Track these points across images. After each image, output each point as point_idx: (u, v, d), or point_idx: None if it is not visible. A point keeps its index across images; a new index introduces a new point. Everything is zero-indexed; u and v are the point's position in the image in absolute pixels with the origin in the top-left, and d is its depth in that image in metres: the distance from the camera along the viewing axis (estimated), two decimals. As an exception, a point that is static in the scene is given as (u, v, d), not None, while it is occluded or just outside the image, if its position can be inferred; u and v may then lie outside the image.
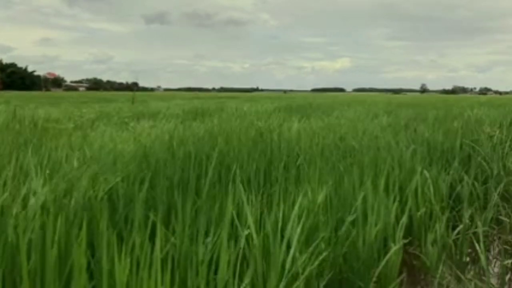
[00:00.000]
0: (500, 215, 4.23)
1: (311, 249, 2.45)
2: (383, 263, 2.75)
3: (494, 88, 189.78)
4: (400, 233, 3.02)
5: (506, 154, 5.86)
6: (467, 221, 3.74)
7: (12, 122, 7.65)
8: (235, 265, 2.17)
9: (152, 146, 4.47)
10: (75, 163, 3.52)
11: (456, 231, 3.56)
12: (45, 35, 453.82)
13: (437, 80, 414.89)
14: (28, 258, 1.94)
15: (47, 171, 3.03)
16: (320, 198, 2.84)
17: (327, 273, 2.61)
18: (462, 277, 3.14)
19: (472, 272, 3.44)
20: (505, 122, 9.28)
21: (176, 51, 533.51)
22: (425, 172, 4.12)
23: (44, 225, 1.98)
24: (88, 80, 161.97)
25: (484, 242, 3.41)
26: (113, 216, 2.62)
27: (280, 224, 2.43)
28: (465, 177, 4.52)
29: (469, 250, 3.74)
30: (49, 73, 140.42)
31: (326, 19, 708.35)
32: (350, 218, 2.82)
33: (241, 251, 2.27)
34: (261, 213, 2.58)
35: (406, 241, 3.17)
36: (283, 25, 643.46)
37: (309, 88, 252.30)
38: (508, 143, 6.35)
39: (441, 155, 5.41)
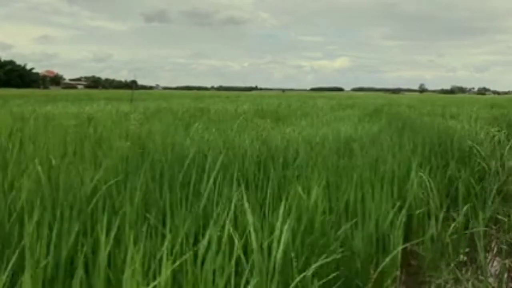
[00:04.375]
0: (498, 214, 4.24)
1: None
2: (383, 264, 2.75)
3: (492, 88, 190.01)
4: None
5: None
6: (465, 220, 3.75)
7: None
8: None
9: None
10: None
11: (451, 230, 3.56)
12: (44, 32, 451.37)
13: (435, 80, 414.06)
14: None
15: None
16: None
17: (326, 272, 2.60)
18: (460, 276, 3.14)
19: (470, 271, 3.45)
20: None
21: (175, 49, 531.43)
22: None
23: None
24: (86, 78, 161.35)
25: (483, 241, 3.41)
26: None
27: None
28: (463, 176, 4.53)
29: (467, 250, 3.74)
30: (47, 71, 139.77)
31: (325, 18, 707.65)
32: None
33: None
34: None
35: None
36: (283, 24, 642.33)
37: (308, 87, 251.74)
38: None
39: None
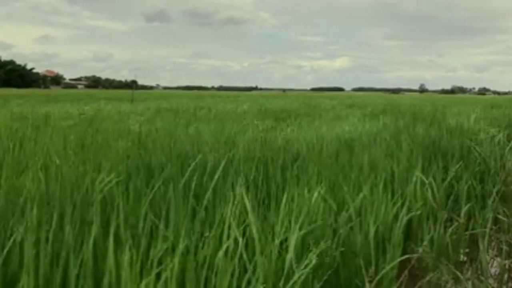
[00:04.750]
0: (498, 214, 4.24)
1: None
2: (382, 273, 2.75)
3: (492, 88, 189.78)
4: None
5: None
6: (465, 220, 3.75)
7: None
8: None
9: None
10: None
11: (451, 230, 3.56)
12: (45, 32, 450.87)
13: (435, 80, 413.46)
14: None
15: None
16: None
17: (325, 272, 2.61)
18: (460, 276, 3.14)
19: (470, 272, 3.45)
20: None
21: (176, 49, 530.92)
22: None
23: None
24: (87, 78, 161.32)
25: (483, 242, 3.42)
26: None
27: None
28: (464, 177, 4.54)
29: (467, 250, 3.75)
30: (48, 71, 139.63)
31: (325, 18, 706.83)
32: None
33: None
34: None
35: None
36: (283, 24, 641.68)
37: (308, 87, 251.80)
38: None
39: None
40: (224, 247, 2.20)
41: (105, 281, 2.03)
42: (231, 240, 2.28)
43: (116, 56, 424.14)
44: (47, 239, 2.12)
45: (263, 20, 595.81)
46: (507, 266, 3.35)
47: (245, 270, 2.28)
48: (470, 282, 3.14)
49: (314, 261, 2.32)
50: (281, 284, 2.23)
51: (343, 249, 2.79)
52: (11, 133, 5.97)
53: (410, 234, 3.63)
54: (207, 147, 4.70)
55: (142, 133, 6.08)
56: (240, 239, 2.32)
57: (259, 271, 2.23)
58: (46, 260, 2.04)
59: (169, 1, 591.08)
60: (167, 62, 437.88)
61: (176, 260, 2.00)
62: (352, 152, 4.93)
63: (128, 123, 7.44)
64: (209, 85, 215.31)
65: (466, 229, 3.72)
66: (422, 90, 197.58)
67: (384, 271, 2.75)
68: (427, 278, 3.17)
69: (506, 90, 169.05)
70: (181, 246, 2.09)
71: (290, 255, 2.32)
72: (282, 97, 36.66)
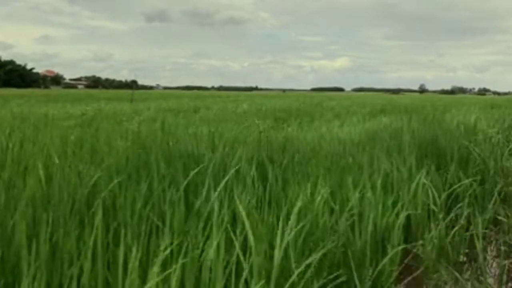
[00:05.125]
0: (499, 215, 4.24)
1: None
2: (381, 264, 2.75)
3: (492, 88, 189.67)
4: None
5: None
6: (465, 221, 3.75)
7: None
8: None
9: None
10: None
11: (452, 232, 3.56)
12: (45, 32, 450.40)
13: (436, 80, 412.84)
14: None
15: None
16: None
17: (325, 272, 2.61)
18: (460, 277, 3.14)
19: (469, 272, 3.45)
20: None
21: (176, 49, 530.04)
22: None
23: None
24: (87, 78, 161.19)
25: (482, 242, 3.42)
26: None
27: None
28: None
29: (467, 250, 3.75)
30: (48, 71, 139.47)
31: (325, 18, 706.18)
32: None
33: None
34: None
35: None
36: (283, 24, 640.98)
37: (309, 88, 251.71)
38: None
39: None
40: (214, 243, 2.20)
41: (99, 280, 2.03)
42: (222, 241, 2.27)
43: (116, 56, 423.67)
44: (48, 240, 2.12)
45: (263, 20, 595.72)
46: (506, 267, 3.35)
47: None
48: (469, 283, 3.14)
49: (315, 260, 2.33)
50: (279, 282, 2.23)
51: (343, 249, 2.80)
52: (12, 130, 5.97)
53: (410, 234, 3.63)
54: (208, 147, 4.69)
55: (142, 133, 6.07)
56: (236, 242, 2.32)
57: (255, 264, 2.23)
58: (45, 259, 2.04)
59: (169, 1, 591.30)
60: (167, 62, 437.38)
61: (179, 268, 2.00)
62: (351, 152, 4.92)
63: (127, 123, 7.42)
64: (209, 85, 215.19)
65: (466, 230, 3.71)
66: (422, 90, 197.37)
67: (379, 267, 2.75)
68: (427, 278, 3.17)
69: (506, 90, 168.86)
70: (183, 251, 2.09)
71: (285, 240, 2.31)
72: (282, 97, 36.64)
